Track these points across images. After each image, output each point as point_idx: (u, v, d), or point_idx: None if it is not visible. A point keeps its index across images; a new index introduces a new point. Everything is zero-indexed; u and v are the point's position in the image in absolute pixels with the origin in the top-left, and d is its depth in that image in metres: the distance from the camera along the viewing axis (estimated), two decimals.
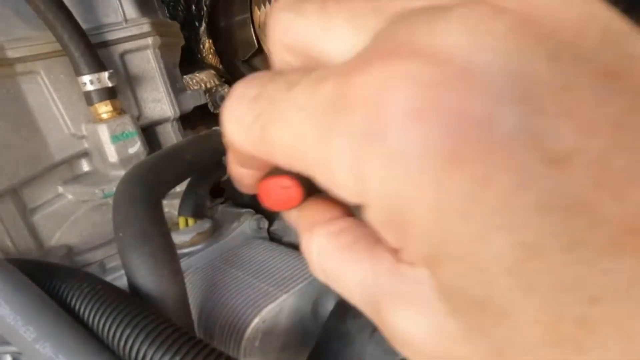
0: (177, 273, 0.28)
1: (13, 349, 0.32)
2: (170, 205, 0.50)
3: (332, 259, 0.14)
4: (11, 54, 0.41)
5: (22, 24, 0.42)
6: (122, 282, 0.28)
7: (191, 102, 0.57)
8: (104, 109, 0.44)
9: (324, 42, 0.12)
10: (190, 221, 0.45)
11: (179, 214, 0.46)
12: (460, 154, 0.09)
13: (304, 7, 0.13)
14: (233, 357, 0.22)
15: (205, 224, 0.45)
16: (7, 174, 0.41)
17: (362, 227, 0.14)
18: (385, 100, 0.09)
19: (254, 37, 0.64)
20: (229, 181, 0.51)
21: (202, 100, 0.60)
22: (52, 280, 0.26)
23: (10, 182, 0.41)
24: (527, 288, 0.08)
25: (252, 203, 0.53)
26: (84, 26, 0.43)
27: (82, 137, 0.47)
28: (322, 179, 0.11)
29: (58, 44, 0.42)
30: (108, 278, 0.41)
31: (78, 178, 0.49)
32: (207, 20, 0.73)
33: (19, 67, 0.42)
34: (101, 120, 0.45)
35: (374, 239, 0.13)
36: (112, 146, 0.45)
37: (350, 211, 0.16)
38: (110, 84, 0.44)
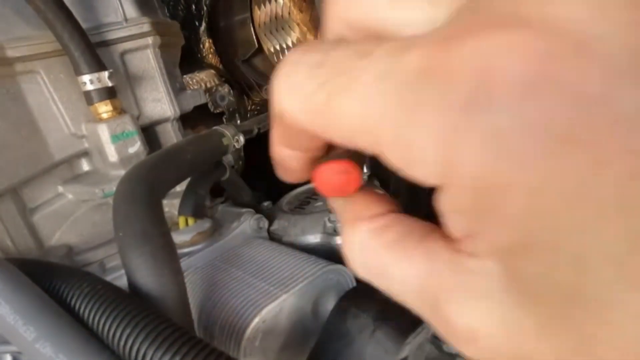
0: (177, 273, 0.28)
1: (13, 348, 0.32)
2: (171, 205, 0.50)
3: (376, 255, 0.14)
4: (11, 53, 0.41)
5: (22, 24, 0.42)
6: (122, 282, 0.28)
7: (191, 101, 0.57)
8: (104, 108, 0.44)
9: (394, 16, 0.12)
10: (191, 221, 0.45)
11: (179, 213, 0.45)
12: (575, 134, 0.08)
13: None
14: (233, 357, 0.22)
15: (206, 224, 0.45)
16: (7, 174, 0.41)
17: (407, 223, 0.14)
18: (493, 71, 0.09)
19: (254, 37, 0.64)
20: (228, 181, 0.51)
21: (202, 99, 0.60)
22: (52, 280, 0.26)
23: (10, 182, 0.41)
24: (634, 280, 0.08)
25: (252, 203, 0.53)
26: (83, 25, 0.43)
27: (82, 136, 0.47)
28: (395, 156, 0.11)
29: (58, 43, 0.42)
30: (108, 278, 0.40)
31: (78, 178, 0.49)
32: (207, 19, 0.73)
33: (19, 67, 0.42)
34: (101, 120, 0.45)
35: (422, 232, 0.13)
36: (112, 146, 0.45)
37: (395, 205, 0.15)
38: (110, 84, 0.44)
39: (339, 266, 0.38)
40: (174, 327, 0.23)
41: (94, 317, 0.24)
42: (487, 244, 0.10)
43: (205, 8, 0.73)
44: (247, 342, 0.32)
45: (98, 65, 0.43)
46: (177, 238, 0.43)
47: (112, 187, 0.44)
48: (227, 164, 0.49)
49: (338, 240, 0.43)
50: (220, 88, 0.69)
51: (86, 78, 0.43)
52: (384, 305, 0.35)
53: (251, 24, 0.63)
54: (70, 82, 0.45)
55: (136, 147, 0.47)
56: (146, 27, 0.49)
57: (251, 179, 0.58)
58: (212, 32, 0.74)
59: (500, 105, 0.08)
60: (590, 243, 0.08)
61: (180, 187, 0.47)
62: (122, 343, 0.22)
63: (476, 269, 0.10)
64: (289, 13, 0.56)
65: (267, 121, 0.55)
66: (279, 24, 0.58)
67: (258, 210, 0.50)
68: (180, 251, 0.43)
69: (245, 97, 0.76)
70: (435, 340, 0.34)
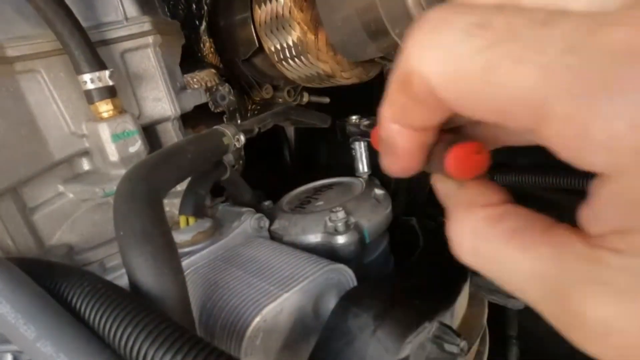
0: (178, 272, 0.28)
1: (14, 347, 0.32)
2: (171, 204, 0.50)
3: (489, 243, 0.13)
4: (11, 52, 0.41)
5: (22, 22, 0.42)
6: (122, 281, 0.28)
7: (192, 101, 0.57)
8: (105, 107, 0.44)
9: None
10: (191, 220, 0.45)
11: (180, 212, 0.45)
12: None
13: None
14: (234, 356, 0.22)
15: (206, 223, 0.45)
16: (7, 173, 0.41)
17: (525, 213, 0.14)
18: None
19: (255, 36, 0.64)
20: (229, 180, 0.51)
21: (203, 99, 0.60)
22: (52, 279, 0.26)
23: (11, 181, 0.41)
24: None
25: (252, 202, 0.53)
26: (84, 24, 0.43)
27: (83, 135, 0.47)
28: (565, 134, 0.10)
29: (58, 42, 0.42)
30: (109, 277, 0.40)
31: (78, 177, 0.49)
32: (207, 19, 0.73)
33: (19, 66, 0.42)
34: (102, 119, 0.45)
35: (544, 224, 0.13)
36: (113, 145, 0.45)
37: (509, 196, 0.15)
38: (110, 83, 0.44)
39: (340, 265, 0.38)
40: (174, 327, 0.23)
41: (95, 316, 0.24)
42: None
43: (205, 7, 0.72)
44: (248, 342, 0.32)
45: (98, 64, 0.43)
46: (178, 237, 0.43)
47: (113, 187, 0.44)
48: (227, 163, 0.48)
49: (339, 239, 0.43)
50: (220, 87, 0.69)
51: (87, 77, 0.42)
52: (385, 305, 0.35)
53: (252, 23, 0.63)
54: (70, 81, 0.45)
55: (137, 146, 0.47)
56: (147, 26, 0.49)
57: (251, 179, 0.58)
58: (212, 31, 0.73)
59: None
60: None
61: (181, 187, 0.47)
62: (123, 342, 0.22)
63: (620, 265, 0.10)
64: (290, 12, 0.56)
65: (267, 120, 0.55)
66: (279, 23, 0.58)
67: (258, 209, 0.50)
68: (180, 250, 0.43)
69: (245, 97, 0.76)
70: (437, 340, 0.34)
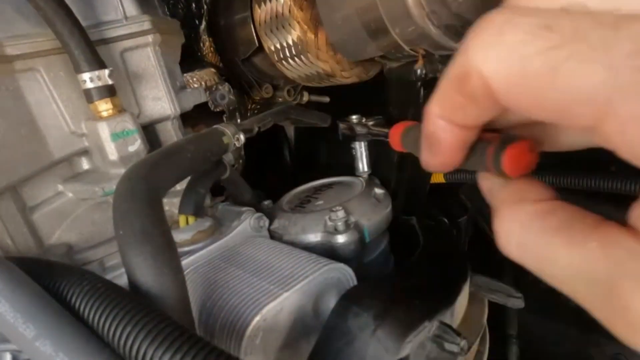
0: (177, 271, 0.28)
1: (13, 347, 0.32)
2: (171, 204, 0.50)
3: (538, 237, 0.14)
4: (10, 51, 0.41)
5: (21, 21, 0.42)
6: (122, 281, 0.28)
7: (191, 100, 0.57)
8: (104, 106, 0.44)
9: None
10: (191, 219, 0.45)
11: (180, 212, 0.45)
12: None
13: None
14: (234, 355, 0.22)
15: (206, 223, 0.45)
16: (6, 172, 0.41)
17: (573, 210, 0.14)
18: None
19: (255, 35, 0.63)
20: (229, 180, 0.51)
21: (203, 98, 0.60)
22: (52, 278, 0.26)
23: (10, 180, 0.41)
24: None
25: (252, 201, 0.53)
26: (83, 23, 0.43)
27: (82, 135, 0.47)
28: (630, 131, 0.10)
29: (58, 41, 0.42)
30: (108, 276, 0.40)
31: (78, 176, 0.49)
32: (207, 18, 0.73)
33: (18, 65, 0.42)
34: (101, 118, 0.44)
35: (594, 220, 0.13)
36: (112, 144, 0.45)
37: (556, 193, 0.16)
38: (110, 82, 0.44)
39: (340, 265, 0.38)
40: (174, 326, 0.23)
41: (94, 316, 0.23)
42: None
43: (205, 6, 0.72)
44: (247, 341, 0.32)
45: (98, 63, 0.43)
46: (178, 237, 0.43)
47: (112, 186, 0.44)
48: (227, 162, 0.48)
49: (339, 238, 0.43)
50: (220, 87, 0.69)
51: (86, 76, 0.42)
52: (385, 304, 0.35)
53: (251, 23, 0.63)
54: (70, 80, 0.45)
55: (136, 145, 0.47)
56: (146, 25, 0.49)
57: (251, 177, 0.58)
58: (212, 30, 0.73)
59: None
60: None
61: (181, 186, 0.47)
62: (122, 341, 0.22)
63: None
64: (290, 11, 0.56)
65: (267, 119, 0.54)
66: (279, 22, 0.58)
67: (258, 209, 0.50)
68: (180, 250, 0.42)
69: (245, 96, 0.76)
70: (437, 339, 0.34)
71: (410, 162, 0.59)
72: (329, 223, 0.44)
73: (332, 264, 0.37)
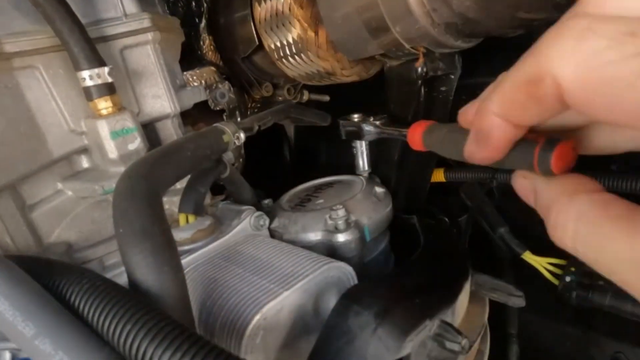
0: (177, 270, 0.28)
1: (12, 345, 0.32)
2: (171, 202, 0.50)
3: (596, 226, 0.14)
4: (9, 48, 0.40)
5: (20, 18, 0.41)
6: (122, 279, 0.28)
7: (191, 98, 0.57)
8: (104, 104, 0.44)
9: None
10: (191, 218, 0.45)
11: (180, 210, 0.45)
12: None
13: None
14: (234, 354, 0.22)
15: (206, 221, 0.45)
16: (5, 170, 0.40)
17: (629, 203, 0.14)
18: None
19: (255, 34, 0.63)
20: (229, 178, 0.50)
21: (203, 96, 0.60)
22: (51, 277, 0.26)
23: (9, 178, 0.41)
24: None
25: (252, 200, 0.53)
26: (83, 21, 0.42)
27: (82, 133, 0.46)
28: None
29: (57, 38, 0.41)
30: (108, 275, 0.40)
31: (77, 174, 0.49)
32: (207, 16, 0.73)
33: (17, 62, 0.42)
34: (101, 116, 0.44)
35: None
36: (112, 142, 0.45)
37: (603, 187, 0.16)
38: (109, 80, 0.43)
39: (341, 263, 0.38)
40: (174, 324, 0.22)
41: (94, 314, 0.23)
42: None
43: (205, 5, 0.72)
44: (248, 340, 0.31)
45: (97, 61, 0.43)
46: (178, 235, 0.43)
47: (112, 184, 0.44)
48: (227, 161, 0.48)
49: (339, 237, 0.43)
50: (220, 85, 0.69)
51: (85, 74, 0.42)
52: (386, 303, 0.34)
53: (251, 21, 0.63)
54: (69, 77, 0.45)
55: (136, 143, 0.46)
56: (146, 23, 0.48)
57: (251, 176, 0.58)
58: (212, 28, 0.73)
59: None
60: None
61: (181, 185, 0.47)
62: (122, 340, 0.22)
63: None
64: (290, 9, 0.56)
65: (267, 118, 0.54)
66: (279, 20, 0.57)
67: (258, 207, 0.50)
68: (180, 248, 0.42)
69: (245, 94, 0.76)
70: (438, 338, 0.33)
71: (410, 161, 0.59)
72: (330, 222, 0.44)
73: (333, 263, 0.37)
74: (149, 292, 0.26)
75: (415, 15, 0.43)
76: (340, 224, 0.43)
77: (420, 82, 0.52)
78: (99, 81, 0.43)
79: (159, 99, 0.52)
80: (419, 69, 0.50)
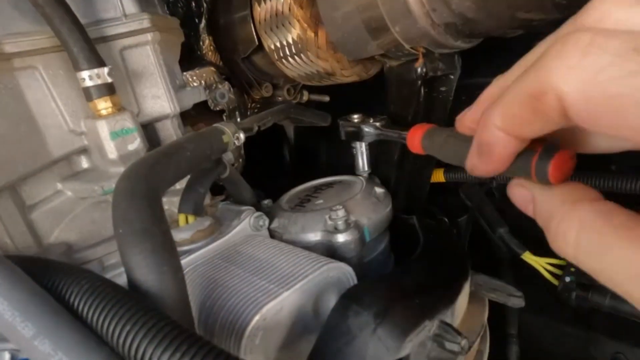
0: (177, 270, 0.28)
1: (11, 346, 0.32)
2: (170, 203, 0.50)
3: (599, 235, 0.14)
4: (9, 48, 0.40)
5: (20, 18, 0.41)
6: (121, 280, 0.28)
7: (191, 98, 0.57)
8: (103, 105, 0.44)
9: None
10: (191, 218, 0.45)
11: (179, 211, 0.45)
12: None
13: None
14: (233, 355, 0.22)
15: (206, 222, 0.45)
16: (5, 170, 0.40)
17: (631, 212, 0.14)
18: None
19: (254, 34, 0.63)
20: (228, 179, 0.50)
21: (202, 97, 0.60)
22: (51, 277, 0.26)
23: (9, 179, 0.41)
24: None
25: (252, 200, 0.53)
26: (82, 21, 0.42)
27: (81, 133, 0.46)
28: None
29: (57, 39, 0.41)
30: (107, 275, 0.40)
31: (77, 175, 0.49)
32: (207, 16, 0.73)
33: (17, 62, 0.42)
34: (100, 117, 0.44)
35: None
36: (112, 143, 0.45)
37: (602, 196, 0.16)
38: (109, 80, 0.43)
39: (340, 264, 0.37)
40: (173, 325, 0.22)
41: (93, 314, 0.23)
42: None
43: (205, 5, 0.72)
44: (247, 340, 0.31)
45: (97, 61, 0.43)
46: (177, 236, 0.43)
47: (112, 184, 0.44)
48: (227, 161, 0.48)
49: (339, 238, 0.43)
50: (220, 85, 0.69)
51: (85, 74, 0.42)
52: (386, 303, 0.34)
53: (251, 21, 0.63)
54: (69, 78, 0.45)
55: (135, 144, 0.46)
56: (146, 23, 0.48)
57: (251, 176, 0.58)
58: (212, 29, 0.73)
59: None
60: None
61: (180, 185, 0.47)
62: (121, 340, 0.22)
63: None
64: (290, 9, 0.56)
65: (267, 118, 0.54)
66: (279, 20, 0.57)
67: (258, 208, 0.50)
68: (180, 249, 0.42)
69: (245, 95, 0.76)
70: (437, 338, 0.33)
71: (410, 161, 0.59)
72: (329, 222, 0.44)
73: (332, 263, 0.37)
74: (149, 293, 0.26)
75: (415, 16, 0.43)
76: (340, 224, 0.43)
77: (420, 82, 0.52)
78: (99, 81, 0.43)
79: (159, 100, 0.52)
80: (419, 69, 0.50)
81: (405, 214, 0.54)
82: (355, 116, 0.54)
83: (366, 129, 0.52)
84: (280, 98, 0.76)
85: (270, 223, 0.47)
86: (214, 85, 0.68)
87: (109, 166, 0.47)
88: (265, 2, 0.59)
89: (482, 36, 0.48)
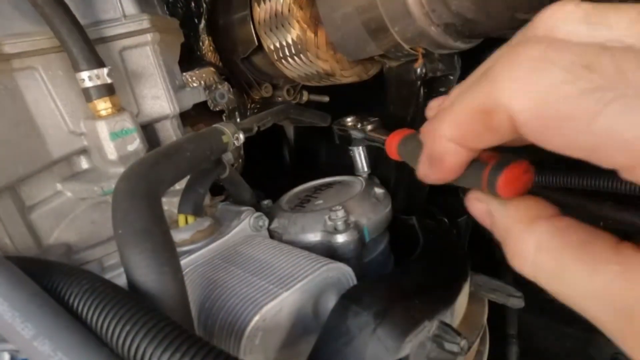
0: (177, 271, 0.28)
1: (11, 346, 0.32)
2: (170, 203, 0.50)
3: (556, 256, 0.13)
4: (8, 49, 0.40)
5: (20, 19, 0.41)
6: (121, 280, 0.28)
7: (191, 99, 0.57)
8: (103, 105, 0.44)
9: None
10: (190, 219, 0.45)
11: (179, 211, 0.45)
12: None
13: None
14: (233, 355, 0.22)
15: (205, 222, 0.45)
16: (5, 171, 0.40)
17: (588, 227, 0.14)
18: None
19: (254, 34, 0.63)
20: (228, 179, 0.50)
21: (202, 97, 0.60)
22: (50, 278, 0.26)
23: (8, 180, 0.41)
24: None
25: (252, 201, 0.53)
26: (82, 22, 0.42)
27: (81, 134, 0.46)
28: None
29: (56, 39, 0.41)
30: (107, 276, 0.40)
31: (77, 175, 0.49)
32: (206, 17, 0.73)
33: (17, 63, 0.42)
34: (100, 117, 0.44)
35: (612, 241, 0.13)
36: (111, 143, 0.45)
37: (560, 210, 0.15)
38: (109, 81, 0.43)
39: (340, 264, 0.38)
40: (173, 325, 0.22)
41: (93, 315, 0.23)
42: None
43: (204, 5, 0.72)
44: (247, 341, 0.31)
45: (97, 62, 0.43)
46: (177, 236, 0.43)
47: (111, 185, 0.44)
48: (226, 162, 0.48)
49: (339, 238, 0.43)
50: (219, 86, 0.69)
51: (85, 75, 0.42)
52: (385, 303, 0.34)
53: (251, 21, 0.63)
54: (68, 78, 0.45)
55: (135, 144, 0.46)
56: (145, 24, 0.48)
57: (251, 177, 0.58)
58: (211, 29, 0.73)
59: None
60: None
61: (180, 185, 0.47)
62: (121, 341, 0.22)
63: None
64: (289, 10, 0.56)
65: (267, 119, 0.54)
66: (278, 21, 0.58)
67: (258, 208, 0.50)
68: (179, 249, 0.42)
69: (245, 95, 0.76)
70: (437, 339, 0.33)
71: None
72: (329, 222, 0.44)
73: (332, 264, 0.37)
74: (148, 293, 0.26)
75: (414, 16, 0.44)
76: (340, 224, 0.43)
77: (419, 83, 0.52)
78: (98, 82, 0.43)
79: (158, 100, 0.52)
80: (418, 70, 0.50)
81: (405, 214, 0.54)
82: (349, 119, 0.54)
83: (354, 133, 0.52)
84: (280, 98, 0.76)
85: (270, 223, 0.47)
86: (214, 85, 0.68)
87: (108, 167, 0.47)
88: (264, 3, 0.59)
89: (481, 37, 0.48)
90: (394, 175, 0.58)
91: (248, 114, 0.75)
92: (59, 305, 0.24)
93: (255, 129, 0.52)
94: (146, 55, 0.50)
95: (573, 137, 0.12)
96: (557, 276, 0.14)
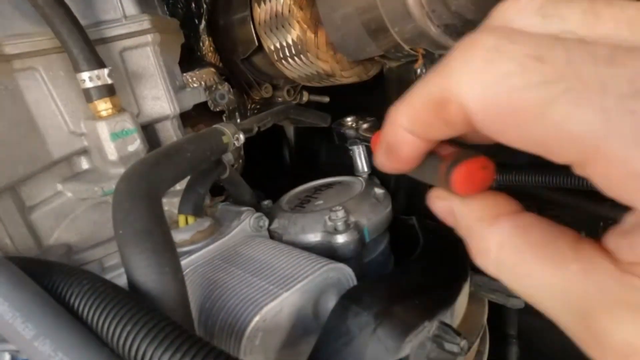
0: (177, 271, 0.28)
1: (11, 347, 0.32)
2: (170, 204, 0.50)
3: (517, 254, 0.13)
4: (9, 50, 0.41)
5: (20, 20, 0.41)
6: (121, 281, 0.28)
7: (191, 99, 0.57)
8: (103, 106, 0.44)
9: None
10: (190, 219, 0.45)
11: (179, 212, 0.45)
12: None
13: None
14: (233, 355, 0.22)
15: (206, 222, 0.45)
16: (5, 172, 0.40)
17: (550, 224, 0.13)
18: None
19: (254, 35, 0.63)
20: (228, 179, 0.51)
21: (202, 98, 0.60)
22: (51, 278, 0.26)
23: (9, 180, 0.41)
24: None
25: (252, 201, 0.53)
26: (82, 22, 0.42)
27: (81, 134, 0.46)
28: (613, 175, 0.10)
29: (57, 40, 0.41)
30: (107, 276, 0.40)
31: (77, 176, 0.49)
32: (206, 17, 0.73)
33: (17, 64, 0.42)
34: (100, 118, 0.44)
35: (572, 239, 0.13)
36: (112, 144, 0.45)
37: (522, 206, 0.15)
38: (109, 81, 0.43)
39: (340, 264, 0.38)
40: (173, 326, 0.22)
41: (93, 315, 0.23)
42: None
43: (205, 6, 0.72)
44: (247, 341, 0.32)
45: (97, 62, 0.43)
46: (177, 236, 0.43)
47: (112, 185, 0.44)
48: (227, 162, 0.48)
49: (339, 238, 0.43)
50: (220, 86, 0.69)
51: (85, 75, 0.42)
52: (385, 303, 0.34)
53: (251, 22, 0.63)
54: (69, 79, 0.45)
55: (136, 145, 0.47)
56: (146, 24, 0.48)
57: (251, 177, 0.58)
58: (211, 30, 0.73)
59: None
60: None
61: (180, 186, 0.47)
62: (121, 341, 0.22)
63: None
64: (289, 10, 0.56)
65: (267, 119, 0.54)
66: (279, 21, 0.58)
67: (258, 208, 0.50)
68: (180, 250, 0.42)
69: (245, 96, 0.76)
70: (437, 339, 0.33)
71: None
72: (329, 223, 0.44)
73: (332, 264, 0.37)
74: (149, 293, 0.26)
75: (414, 17, 0.44)
76: (340, 225, 0.43)
77: None
78: (99, 83, 0.43)
79: (159, 101, 0.52)
80: (419, 70, 0.50)
81: (405, 214, 0.54)
82: (349, 119, 0.54)
83: (348, 132, 0.52)
84: (280, 99, 0.76)
85: (270, 224, 0.47)
86: (214, 86, 0.68)
87: (109, 167, 0.47)
88: (265, 3, 0.60)
89: None
90: (394, 176, 0.58)
91: (248, 114, 0.75)
92: (59, 305, 0.24)
93: (256, 129, 0.52)
94: (147, 56, 0.50)
95: (525, 131, 0.12)
96: (518, 275, 0.13)
